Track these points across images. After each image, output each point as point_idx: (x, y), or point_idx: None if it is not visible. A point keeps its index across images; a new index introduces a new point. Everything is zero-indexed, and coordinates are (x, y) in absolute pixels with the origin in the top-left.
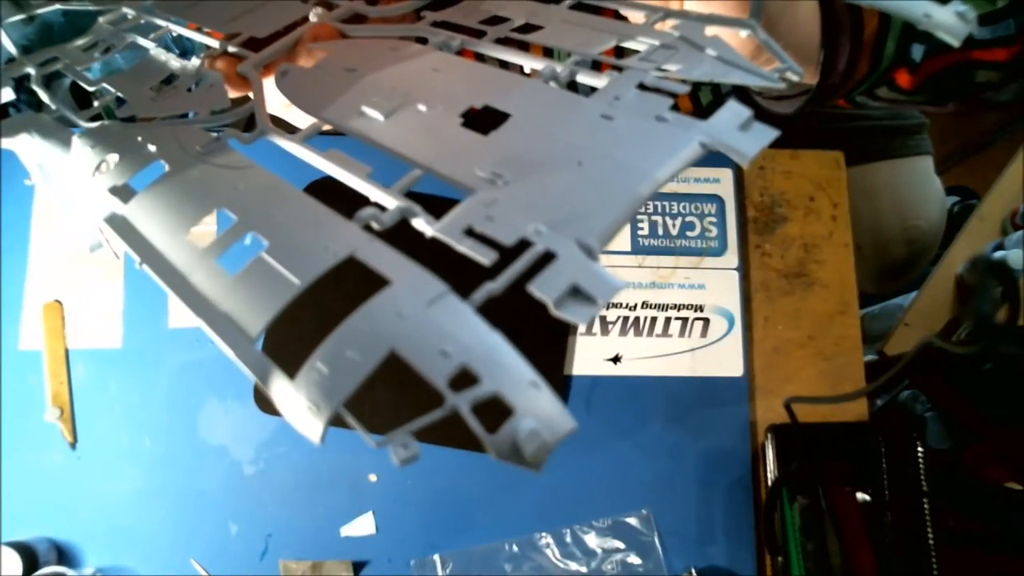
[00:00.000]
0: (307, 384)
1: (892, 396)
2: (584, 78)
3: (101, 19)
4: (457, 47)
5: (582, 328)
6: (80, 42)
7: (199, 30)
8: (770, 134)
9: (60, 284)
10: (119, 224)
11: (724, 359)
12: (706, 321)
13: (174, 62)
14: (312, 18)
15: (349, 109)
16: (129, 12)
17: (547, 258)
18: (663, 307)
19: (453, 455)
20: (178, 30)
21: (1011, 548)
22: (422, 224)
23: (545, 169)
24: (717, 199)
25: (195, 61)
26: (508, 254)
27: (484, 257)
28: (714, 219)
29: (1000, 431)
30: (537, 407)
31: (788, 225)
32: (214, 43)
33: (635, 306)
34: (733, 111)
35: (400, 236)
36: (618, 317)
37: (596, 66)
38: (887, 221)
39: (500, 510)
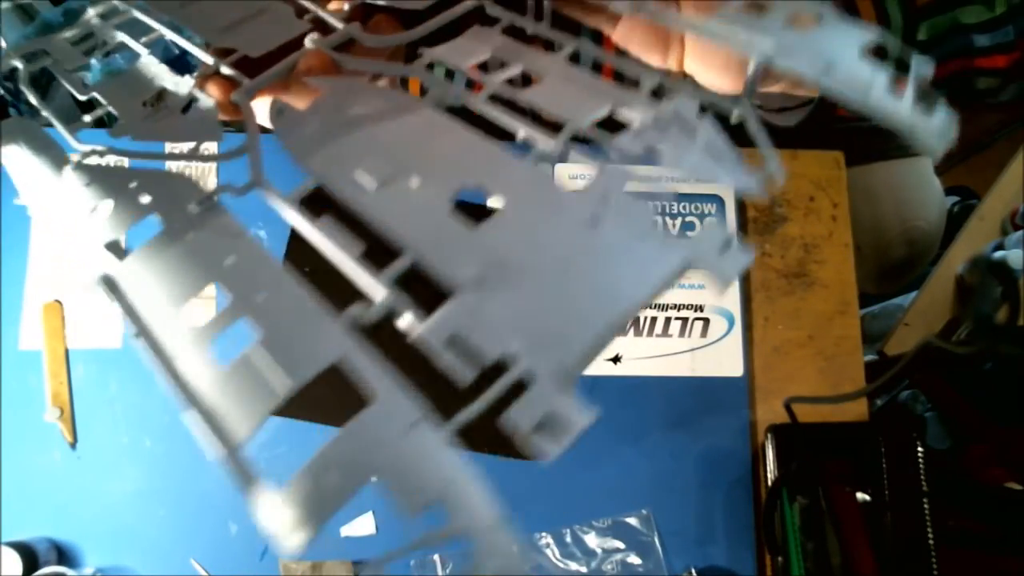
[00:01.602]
0: (292, 502)
1: (892, 396)
2: (573, 163)
3: (91, 10)
4: (453, 101)
5: None
6: (68, 34)
7: (191, 40)
8: (747, 258)
9: (60, 284)
10: (113, 288)
11: (724, 359)
12: (706, 321)
13: (167, 76)
14: (308, 44)
15: (342, 168)
16: (120, 5)
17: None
18: (663, 307)
19: None
20: (171, 36)
21: (1011, 548)
22: (408, 323)
23: (530, 278)
24: (717, 199)
25: (188, 80)
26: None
27: (462, 376)
28: (714, 219)
29: (1000, 431)
30: (496, 549)
31: (788, 225)
32: (208, 59)
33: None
34: (714, 231)
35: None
36: None
37: (585, 141)
38: (887, 221)
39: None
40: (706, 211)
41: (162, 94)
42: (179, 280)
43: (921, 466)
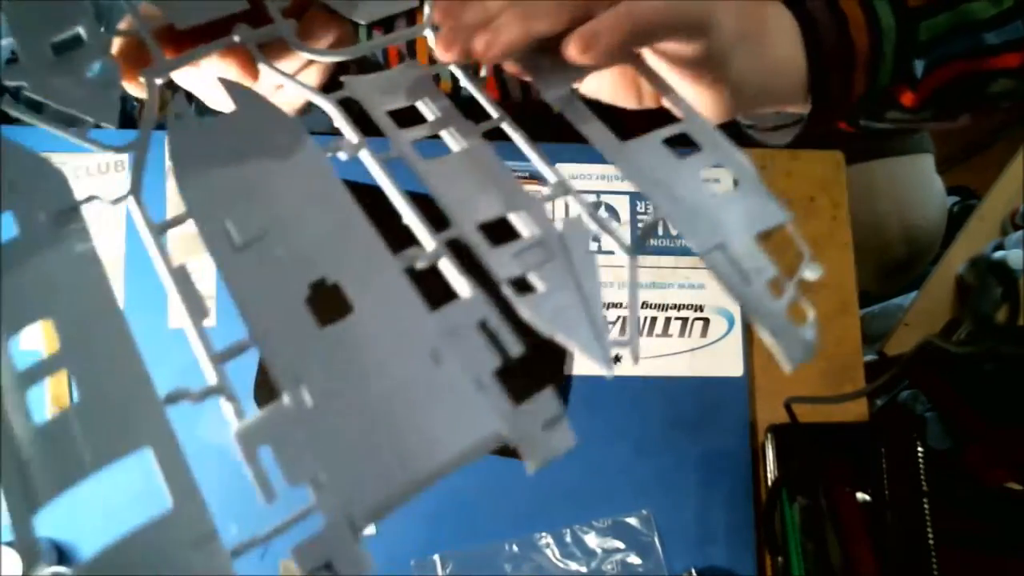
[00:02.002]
0: None
1: (892, 396)
2: (446, 269)
3: None
4: (351, 155)
5: None
6: None
7: None
8: (569, 443)
9: None
10: None
11: (724, 359)
12: (706, 321)
13: (89, 19)
14: (235, 37)
15: (215, 208)
16: None
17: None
18: (663, 307)
19: None
20: None
21: (1011, 549)
22: (230, 414)
23: (356, 408)
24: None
25: (105, 36)
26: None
27: (260, 496)
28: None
29: (1000, 431)
30: None
31: (787, 225)
32: (131, 19)
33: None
34: (546, 405)
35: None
36: (618, 317)
37: (460, 251)
38: (887, 219)
39: (500, 510)
40: None
41: (77, 40)
42: (13, 309)
43: (921, 466)
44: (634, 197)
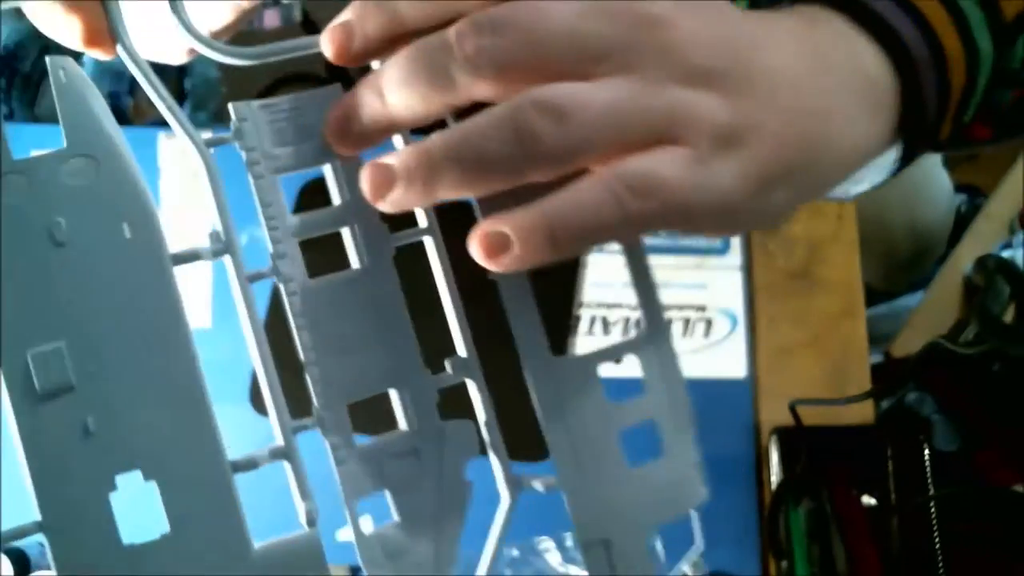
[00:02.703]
0: None
1: (899, 398)
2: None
3: None
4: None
5: (584, 328)
6: None
7: None
8: None
9: None
10: None
11: (727, 360)
12: (708, 322)
13: None
14: None
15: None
16: None
17: None
18: (665, 307)
19: None
20: None
21: (1019, 551)
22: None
23: None
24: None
25: None
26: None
27: None
28: None
29: (1008, 433)
30: None
31: (793, 224)
32: None
33: (636, 306)
34: None
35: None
36: (620, 317)
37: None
38: (893, 214)
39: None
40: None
41: None
42: None
43: (928, 469)
44: None
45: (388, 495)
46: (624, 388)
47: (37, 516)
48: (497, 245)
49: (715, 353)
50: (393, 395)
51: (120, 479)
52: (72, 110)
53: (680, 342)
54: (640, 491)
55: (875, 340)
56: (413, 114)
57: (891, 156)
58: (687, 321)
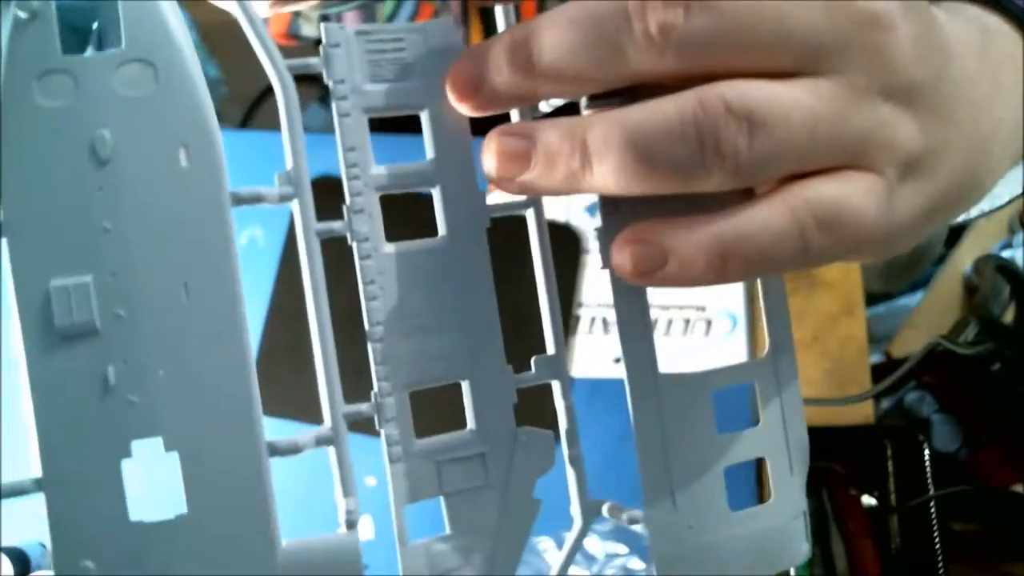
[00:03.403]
0: None
1: (898, 398)
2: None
3: None
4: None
5: (584, 328)
6: None
7: None
8: None
9: None
10: None
11: (727, 359)
12: (708, 322)
13: None
14: None
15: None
16: None
17: None
18: (665, 307)
19: None
20: None
21: (1019, 553)
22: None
23: None
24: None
25: None
26: None
27: None
28: None
29: (1009, 433)
30: None
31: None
32: None
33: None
34: None
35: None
36: None
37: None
38: None
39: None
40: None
41: None
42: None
43: (928, 469)
44: None
45: (443, 503)
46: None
47: (37, 473)
48: (652, 260)
49: (715, 353)
50: (465, 388)
51: (137, 445)
52: (134, 6)
53: (680, 341)
54: (736, 539)
55: (875, 340)
56: (563, 88)
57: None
58: (687, 321)
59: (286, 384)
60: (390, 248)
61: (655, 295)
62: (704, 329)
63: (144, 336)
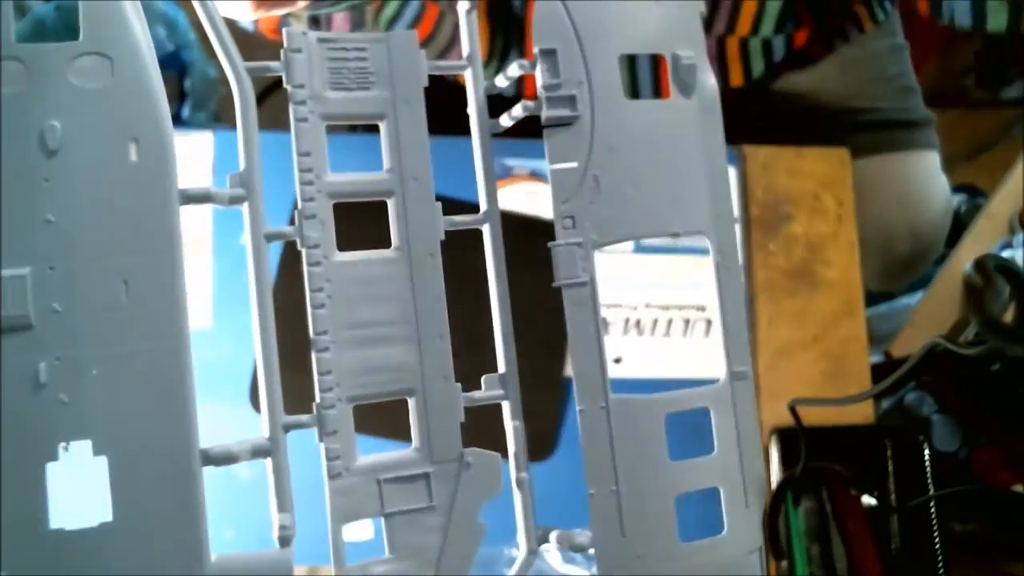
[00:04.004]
0: None
1: (899, 398)
2: None
3: None
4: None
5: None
6: None
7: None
8: None
9: None
10: None
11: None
12: (708, 322)
13: None
14: None
15: None
16: None
17: None
18: (665, 307)
19: None
20: None
21: (1019, 553)
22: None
23: None
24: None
25: None
26: None
27: None
28: None
29: (1008, 433)
30: None
31: (793, 224)
32: None
33: (636, 306)
34: None
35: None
36: (619, 317)
37: None
38: (892, 215)
39: (500, 514)
40: None
41: None
42: None
43: (928, 469)
44: None
45: (383, 524)
46: (626, 389)
47: None
48: None
49: (715, 353)
50: (411, 404)
51: (64, 448)
52: (96, 2)
53: (680, 342)
54: (687, 571)
55: (875, 340)
56: None
57: None
58: (687, 321)
59: (282, 386)
60: (341, 257)
61: (655, 296)
62: (704, 329)
63: (80, 333)
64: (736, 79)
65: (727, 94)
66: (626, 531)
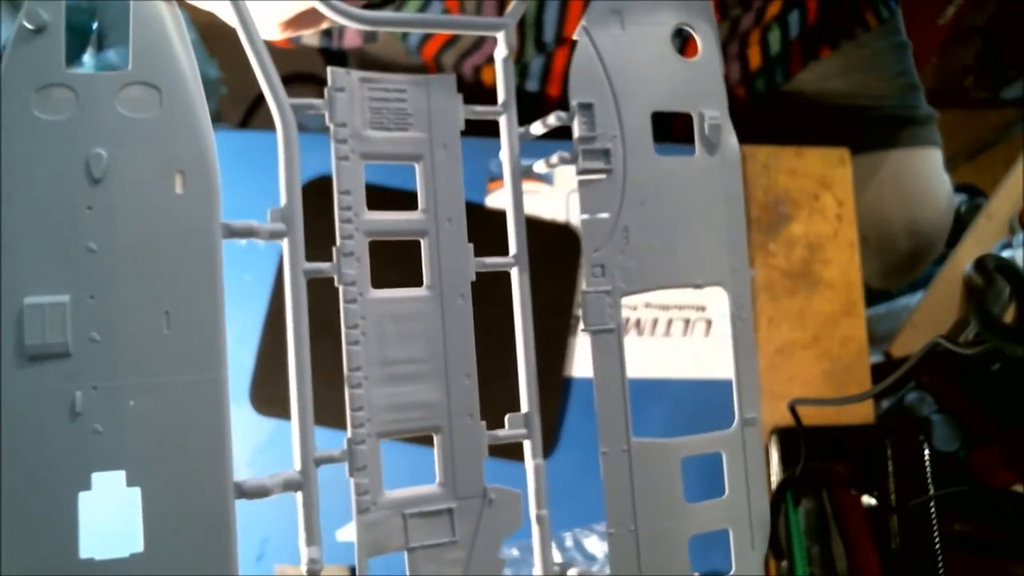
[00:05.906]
0: None
1: (898, 398)
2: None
3: None
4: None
5: (583, 328)
6: None
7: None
8: None
9: None
10: None
11: (727, 360)
12: (708, 322)
13: None
14: None
15: None
16: None
17: None
18: (665, 307)
19: None
20: None
21: (1018, 552)
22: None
23: None
24: None
25: None
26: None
27: None
28: None
29: (1008, 433)
30: None
31: (792, 224)
32: None
33: (636, 306)
34: None
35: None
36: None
37: None
38: (893, 212)
39: None
40: None
41: None
42: None
43: (928, 469)
44: None
45: (406, 559)
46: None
47: None
48: None
49: (716, 353)
50: (437, 441)
51: (98, 478)
52: (144, 31)
53: (680, 342)
54: None
55: (875, 340)
56: None
57: None
58: (687, 321)
59: (282, 386)
60: (376, 294)
61: (655, 296)
62: (704, 329)
63: (118, 363)
64: (755, 61)
65: (737, 96)
66: (643, 569)
